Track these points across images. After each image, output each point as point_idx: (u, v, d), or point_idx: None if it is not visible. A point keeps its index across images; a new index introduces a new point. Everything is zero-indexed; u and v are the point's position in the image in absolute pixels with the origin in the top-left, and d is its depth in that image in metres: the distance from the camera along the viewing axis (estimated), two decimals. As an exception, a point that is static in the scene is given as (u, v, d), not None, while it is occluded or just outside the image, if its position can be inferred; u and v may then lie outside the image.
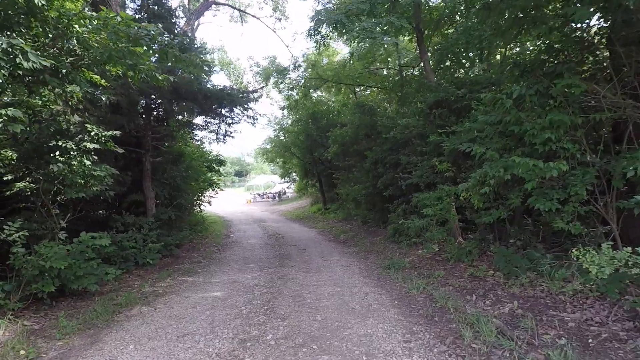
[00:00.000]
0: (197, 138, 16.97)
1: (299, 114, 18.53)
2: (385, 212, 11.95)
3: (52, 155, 6.16)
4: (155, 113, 10.07)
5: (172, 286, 6.75)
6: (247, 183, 56.83)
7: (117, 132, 7.18)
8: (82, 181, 6.49)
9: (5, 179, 6.52)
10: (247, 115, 10.71)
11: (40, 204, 6.51)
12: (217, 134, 11.08)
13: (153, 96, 8.03)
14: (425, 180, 7.67)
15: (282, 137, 23.21)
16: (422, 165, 7.69)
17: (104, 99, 6.93)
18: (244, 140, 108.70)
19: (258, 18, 21.06)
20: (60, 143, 6.12)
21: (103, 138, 7.03)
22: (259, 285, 6.54)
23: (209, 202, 14.34)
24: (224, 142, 11.36)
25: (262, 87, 21.41)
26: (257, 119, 11.04)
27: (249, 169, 69.11)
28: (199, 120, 12.25)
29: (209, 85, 10.02)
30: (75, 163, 6.33)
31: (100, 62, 5.72)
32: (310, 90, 15.30)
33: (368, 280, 6.51)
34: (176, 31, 10.34)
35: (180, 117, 10.54)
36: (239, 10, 21.51)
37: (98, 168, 6.72)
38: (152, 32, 5.68)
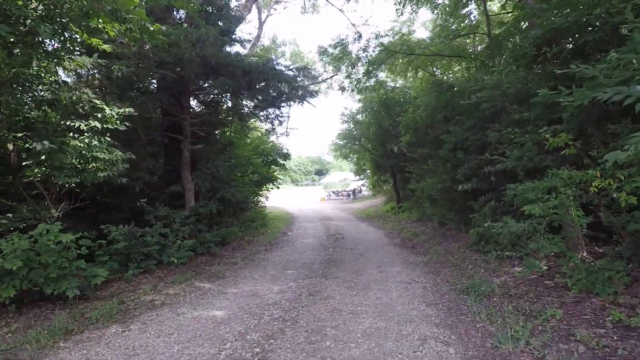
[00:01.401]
0: (260, 129, 16.03)
1: (367, 97, 16.34)
2: (467, 212, 9.27)
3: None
4: (195, 97, 8.98)
5: (178, 295, 5.34)
6: (323, 181, 56.11)
7: (130, 110, 6.07)
8: (78, 163, 5.44)
9: None
10: (300, 96, 8.99)
11: (42, 190, 5.64)
12: (267, 117, 9.60)
13: (178, 69, 6.83)
14: (526, 163, 5.04)
15: (354, 129, 21.26)
16: (521, 142, 5.05)
17: (115, 69, 5.86)
18: (325, 139, 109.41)
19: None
20: (49, 116, 5.10)
21: (115, 116, 5.97)
22: (278, 304, 4.76)
23: (266, 197, 13.07)
24: (272, 126, 9.84)
25: (331, 77, 19.75)
26: (309, 100, 9.30)
27: (329, 168, 68.46)
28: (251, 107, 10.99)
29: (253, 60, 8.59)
30: (73, 142, 5.29)
31: (79, 15, 4.50)
32: (379, 72, 12.90)
33: (433, 311, 4.27)
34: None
35: (217, 95, 9.30)
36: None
37: (102, 150, 5.63)
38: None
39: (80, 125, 5.76)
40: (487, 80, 6.39)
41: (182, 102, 8.24)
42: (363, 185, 30.75)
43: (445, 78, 13.09)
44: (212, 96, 9.87)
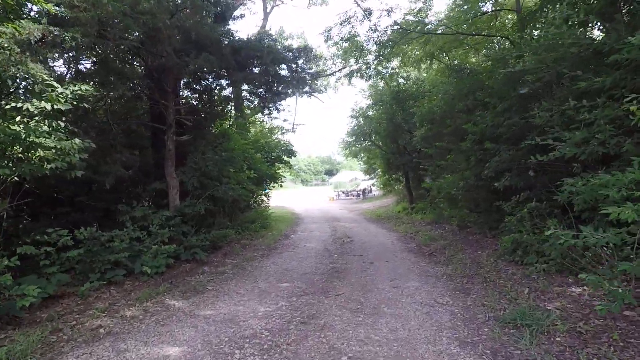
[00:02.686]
0: (264, 124, 14.83)
1: (377, 91, 14.98)
2: (493, 214, 7.91)
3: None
4: (185, 84, 7.81)
5: (134, 319, 4.14)
6: (332, 180, 54.83)
7: (87, 88, 4.90)
8: (18, 152, 4.30)
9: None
10: (301, 81, 7.71)
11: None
12: (263, 105, 8.34)
13: (154, 42, 5.66)
14: (594, 149, 3.65)
15: (364, 126, 19.94)
16: (587, 120, 3.64)
17: (67, 38, 4.70)
18: (335, 138, 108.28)
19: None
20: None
21: (69, 95, 4.82)
22: (257, 338, 3.51)
23: (268, 197, 11.85)
24: (269, 116, 8.58)
25: (340, 70, 18.46)
26: (313, 88, 8.03)
27: (339, 167, 67.10)
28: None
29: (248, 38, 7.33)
30: (2, 125, 4.14)
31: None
32: (391, 59, 11.40)
33: (470, 357, 2.97)
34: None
35: (208, 79, 8.09)
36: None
37: (47, 136, 4.48)
38: None
39: (26, 106, 4.64)
40: (534, 38, 5.00)
41: (165, 85, 7.07)
42: (373, 184, 29.39)
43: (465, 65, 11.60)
44: (203, 82, 8.70)
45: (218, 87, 9.11)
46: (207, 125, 9.29)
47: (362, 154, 25.88)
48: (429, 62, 14.68)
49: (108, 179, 6.02)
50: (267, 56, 6.87)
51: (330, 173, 67.86)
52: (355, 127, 19.22)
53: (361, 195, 29.71)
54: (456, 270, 5.78)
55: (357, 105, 23.32)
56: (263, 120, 14.67)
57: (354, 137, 24.41)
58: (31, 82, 4.77)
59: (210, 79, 8.54)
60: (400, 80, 16.70)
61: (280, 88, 7.87)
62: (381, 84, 18.71)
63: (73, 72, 5.84)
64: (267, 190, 12.36)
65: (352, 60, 14.41)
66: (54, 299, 4.68)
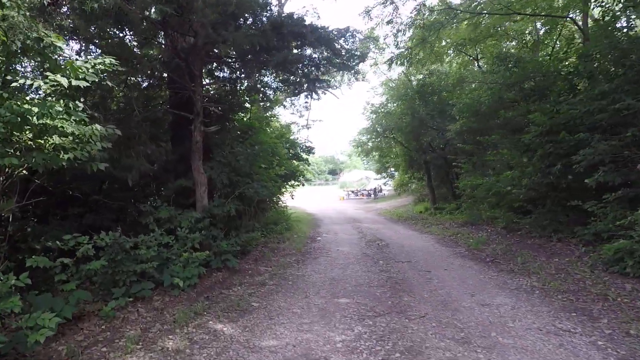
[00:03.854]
0: (278, 119, 13.83)
1: (399, 85, 13.98)
2: (560, 214, 6.99)
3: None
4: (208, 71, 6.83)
5: (179, 354, 3.16)
6: (339, 180, 53.83)
7: (111, 60, 3.93)
8: (27, 138, 3.34)
9: None
10: (345, 64, 6.69)
11: None
12: (296, 94, 7.32)
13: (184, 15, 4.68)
14: None
15: (377, 125, 18.99)
16: None
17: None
18: (338, 138, 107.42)
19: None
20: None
21: (90, 69, 3.85)
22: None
23: (292, 196, 10.88)
24: (306, 108, 7.52)
25: (357, 63, 17.43)
26: (357, 71, 7.07)
27: (342, 167, 66.02)
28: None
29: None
30: (9, 102, 3.17)
31: None
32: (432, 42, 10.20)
33: None
34: None
35: (235, 63, 7.10)
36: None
37: (67, 118, 3.51)
38: None
39: (38, 83, 3.67)
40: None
41: (192, 67, 6.09)
42: (385, 184, 28.43)
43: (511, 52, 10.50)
44: (227, 69, 7.73)
45: (244, 75, 8.12)
46: (231, 116, 8.32)
47: (374, 153, 25.00)
48: (456, 52, 13.72)
49: (132, 174, 5.05)
50: (311, 34, 5.89)
51: (333, 173, 66.81)
52: (374, 124, 18.23)
53: (372, 195, 28.75)
54: (547, 283, 4.82)
55: (370, 103, 22.48)
56: (279, 115, 13.69)
57: (367, 136, 23.52)
58: (42, 52, 3.78)
59: (237, 64, 7.56)
60: (421, 75, 15.74)
61: (319, 73, 6.89)
62: (394, 75, 17.70)
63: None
64: (291, 189, 11.39)
65: (392, 46, 13.11)
66: (72, 321, 3.70)
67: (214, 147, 7.05)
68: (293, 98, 8.15)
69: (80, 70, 3.78)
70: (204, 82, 7.61)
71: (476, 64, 14.75)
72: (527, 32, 12.20)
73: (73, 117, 3.49)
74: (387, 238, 10.05)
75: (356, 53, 6.61)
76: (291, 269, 6.61)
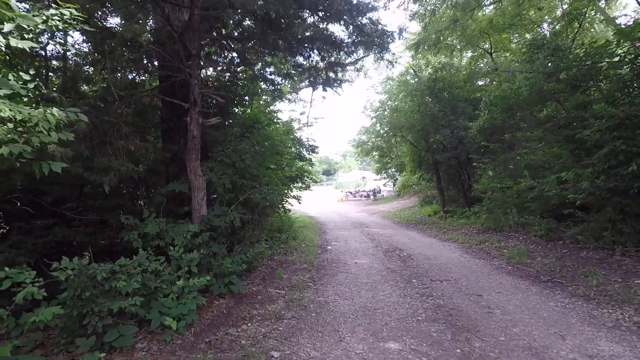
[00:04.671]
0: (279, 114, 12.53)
1: (404, 81, 12.76)
2: (622, 223, 5.91)
3: None
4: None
5: None
6: (335, 181, 52.64)
7: (73, 11, 2.65)
8: None
9: None
10: (371, 40, 5.45)
11: None
12: (310, 77, 6.04)
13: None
14: None
15: (380, 120, 17.85)
16: None
17: None
18: (331, 139, 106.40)
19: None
20: None
21: (41, 24, 2.59)
22: None
23: (299, 200, 9.65)
24: (325, 86, 6.23)
25: (362, 58, 16.24)
26: (384, 49, 5.85)
27: (337, 168, 64.89)
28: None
29: None
30: None
31: None
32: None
33: None
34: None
35: (241, 43, 5.84)
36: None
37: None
38: None
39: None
40: None
41: (189, 45, 4.81)
42: (385, 184, 27.36)
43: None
44: (229, 53, 6.47)
45: (248, 59, 6.86)
46: (232, 109, 7.06)
47: (374, 153, 23.93)
48: (465, 44, 12.61)
49: (109, 177, 3.76)
50: (338, 2, 4.66)
51: (327, 173, 65.63)
52: (379, 121, 17.08)
53: (371, 196, 27.62)
54: (649, 317, 3.69)
55: (370, 102, 21.33)
56: (280, 111, 12.38)
57: (367, 135, 22.42)
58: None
59: (239, 46, 6.31)
60: (431, 69, 14.63)
61: (341, 57, 5.66)
62: (395, 73, 16.66)
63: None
64: (298, 192, 10.12)
65: (419, 28, 11.86)
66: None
67: (213, 145, 5.78)
68: (300, 90, 6.97)
69: (24, 24, 2.50)
70: (202, 64, 6.32)
71: (490, 57, 13.70)
72: (550, 20, 11.18)
73: (3, 91, 2.21)
74: (405, 247, 8.89)
75: (386, 29, 5.40)
76: (308, 291, 5.38)
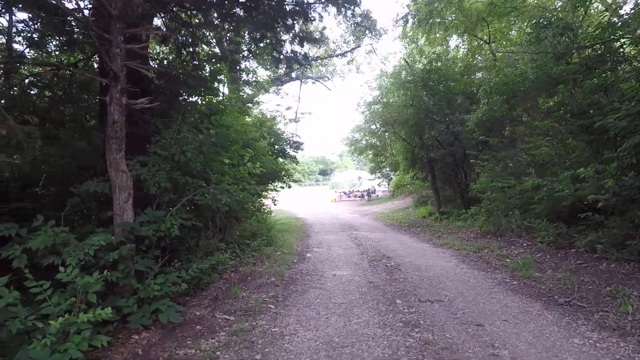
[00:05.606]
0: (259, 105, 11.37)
1: (398, 73, 11.72)
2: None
3: None
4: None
5: None
6: (330, 180, 51.50)
7: None
8: None
9: None
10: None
11: None
12: (272, 51, 4.86)
13: None
14: None
15: (372, 116, 16.69)
16: None
17: None
18: (327, 139, 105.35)
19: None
20: None
21: None
22: None
23: (274, 201, 8.46)
24: (290, 67, 5.09)
25: (352, 50, 15.15)
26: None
27: (333, 167, 63.66)
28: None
29: None
30: None
31: None
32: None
33: None
34: None
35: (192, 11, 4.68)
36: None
37: None
38: None
39: None
40: None
41: (108, 5, 3.65)
42: (379, 184, 26.23)
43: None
44: (181, 27, 5.32)
45: (205, 39, 5.70)
46: (187, 95, 5.89)
47: (368, 151, 22.81)
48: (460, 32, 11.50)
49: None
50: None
51: (324, 173, 64.43)
52: (371, 117, 15.93)
53: (365, 197, 26.48)
54: None
55: (363, 98, 20.25)
56: (262, 102, 11.25)
57: (360, 133, 21.36)
58: None
59: (197, 18, 5.16)
60: (426, 59, 13.52)
61: (308, 27, 4.52)
62: (389, 69, 15.52)
63: None
64: (273, 193, 8.96)
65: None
66: None
67: (148, 134, 4.62)
68: (279, 83, 5.85)
69: None
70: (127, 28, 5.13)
71: (487, 48, 12.57)
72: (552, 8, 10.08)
73: None
74: (394, 254, 7.74)
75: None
76: (265, 317, 4.22)
